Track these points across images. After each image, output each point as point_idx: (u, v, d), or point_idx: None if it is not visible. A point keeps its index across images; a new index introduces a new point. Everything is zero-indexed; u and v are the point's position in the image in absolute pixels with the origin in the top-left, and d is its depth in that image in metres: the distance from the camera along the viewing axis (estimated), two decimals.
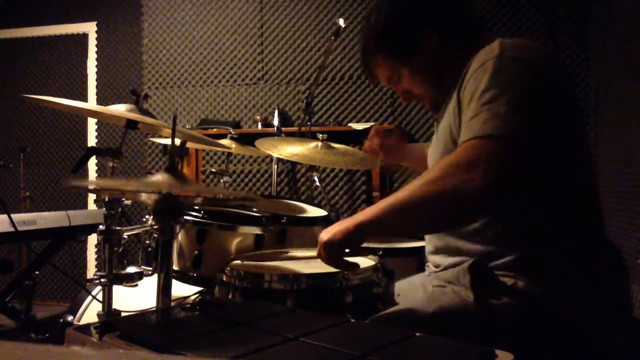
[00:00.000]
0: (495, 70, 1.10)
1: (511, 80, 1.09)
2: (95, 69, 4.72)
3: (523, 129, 1.04)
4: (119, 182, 1.20)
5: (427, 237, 1.40)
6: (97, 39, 4.71)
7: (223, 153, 3.82)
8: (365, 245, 1.82)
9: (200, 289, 1.84)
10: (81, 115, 4.51)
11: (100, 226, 1.49)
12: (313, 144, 2.32)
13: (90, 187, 1.27)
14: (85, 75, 4.74)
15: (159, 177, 1.11)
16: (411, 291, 1.47)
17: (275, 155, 2.58)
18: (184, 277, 1.79)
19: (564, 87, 1.20)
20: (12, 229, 2.35)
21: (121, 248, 1.57)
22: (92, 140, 4.69)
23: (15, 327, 2.55)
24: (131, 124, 1.65)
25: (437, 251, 1.35)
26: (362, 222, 1.15)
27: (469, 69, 1.18)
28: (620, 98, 2.70)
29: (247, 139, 2.77)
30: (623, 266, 1.26)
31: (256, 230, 1.79)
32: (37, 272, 2.61)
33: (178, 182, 1.10)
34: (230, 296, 1.40)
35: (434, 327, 1.14)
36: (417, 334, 0.88)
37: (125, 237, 1.53)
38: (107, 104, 2.25)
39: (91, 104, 3.51)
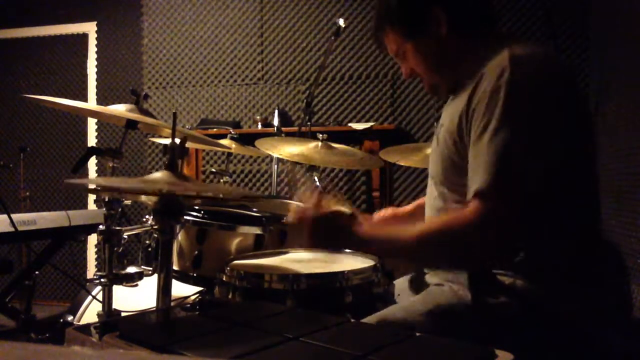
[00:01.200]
0: (507, 100, 1.10)
1: (523, 115, 1.10)
2: (95, 69, 4.71)
3: (534, 176, 1.09)
4: (121, 180, 1.20)
5: None
6: (97, 39, 4.71)
7: (223, 153, 3.82)
8: None
9: (200, 289, 1.84)
10: (81, 115, 4.51)
11: (100, 226, 1.49)
12: (313, 144, 2.32)
13: (92, 186, 1.27)
14: (85, 75, 4.74)
15: (159, 175, 1.11)
16: (409, 289, 1.47)
17: (275, 155, 2.59)
18: (184, 277, 1.79)
19: (571, 98, 1.18)
20: (12, 229, 2.35)
21: (121, 248, 1.57)
22: (92, 140, 4.69)
23: (15, 327, 2.55)
24: (131, 124, 1.65)
25: None
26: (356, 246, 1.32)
27: (481, 83, 1.15)
28: (620, 98, 2.70)
29: (247, 139, 2.77)
30: (623, 266, 1.25)
31: (256, 230, 1.79)
32: (37, 272, 2.61)
33: (178, 180, 1.10)
34: (230, 296, 1.40)
35: (431, 326, 1.14)
36: (417, 334, 0.88)
37: (125, 237, 1.54)
38: (107, 104, 2.25)
39: (91, 104, 3.51)
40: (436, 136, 1.36)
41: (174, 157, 1.15)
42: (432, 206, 1.34)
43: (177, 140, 1.15)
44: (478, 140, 1.13)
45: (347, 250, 1.72)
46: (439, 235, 1.15)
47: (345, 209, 1.29)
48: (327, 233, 1.28)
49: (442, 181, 1.29)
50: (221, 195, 1.37)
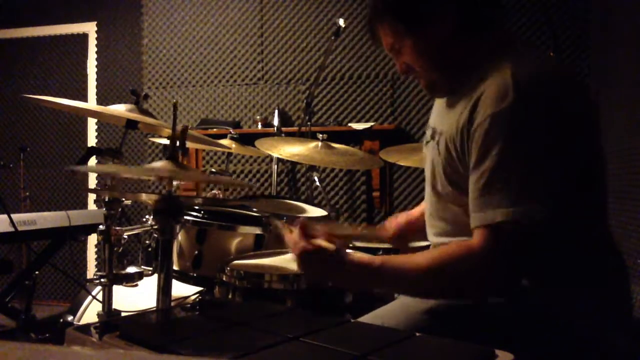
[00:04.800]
0: (508, 129, 1.06)
1: (526, 143, 1.07)
2: (95, 69, 4.71)
3: (537, 208, 1.05)
4: (123, 168, 1.20)
5: (429, 237, 1.39)
6: (97, 39, 4.71)
7: (223, 153, 3.82)
8: (365, 245, 1.83)
9: (200, 289, 1.84)
10: (81, 115, 4.51)
11: (100, 226, 1.49)
12: (313, 144, 2.33)
13: (94, 177, 1.27)
14: (85, 75, 4.74)
15: (161, 164, 1.12)
16: None
17: (275, 155, 2.59)
18: (184, 277, 1.79)
19: (579, 117, 1.14)
20: (12, 229, 2.35)
21: (121, 248, 1.57)
22: (92, 140, 4.69)
23: (15, 327, 2.55)
24: (131, 124, 1.65)
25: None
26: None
27: (482, 101, 1.11)
28: (620, 98, 2.70)
29: (247, 139, 2.77)
30: (623, 266, 1.25)
31: (256, 230, 1.79)
32: (37, 272, 2.60)
33: (179, 170, 1.10)
34: (230, 296, 1.41)
35: (430, 324, 1.14)
36: (417, 334, 0.88)
37: (125, 237, 1.54)
38: (107, 104, 2.25)
39: (91, 104, 3.51)
40: (434, 143, 1.28)
41: (175, 147, 1.15)
42: (432, 212, 1.31)
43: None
44: (479, 165, 1.09)
45: (348, 251, 1.72)
46: (445, 268, 1.11)
47: (328, 244, 1.19)
48: (317, 269, 1.21)
49: (443, 188, 1.24)
50: (218, 193, 1.37)
